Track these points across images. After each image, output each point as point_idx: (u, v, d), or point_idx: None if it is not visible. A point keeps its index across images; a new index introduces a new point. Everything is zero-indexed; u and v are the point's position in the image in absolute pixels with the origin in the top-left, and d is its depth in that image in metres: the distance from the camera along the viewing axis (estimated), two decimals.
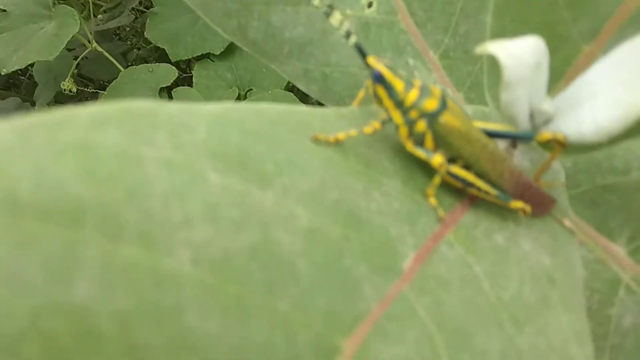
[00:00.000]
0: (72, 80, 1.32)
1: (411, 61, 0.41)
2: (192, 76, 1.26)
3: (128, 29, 1.37)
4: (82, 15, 1.28)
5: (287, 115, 0.28)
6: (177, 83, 1.26)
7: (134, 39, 1.38)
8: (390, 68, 0.31)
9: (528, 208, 0.32)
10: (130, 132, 0.20)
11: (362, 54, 0.32)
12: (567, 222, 0.36)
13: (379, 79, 0.31)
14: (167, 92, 1.24)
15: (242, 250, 0.20)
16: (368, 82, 0.32)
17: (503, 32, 0.37)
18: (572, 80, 0.37)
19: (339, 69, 0.51)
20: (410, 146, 0.32)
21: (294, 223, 0.23)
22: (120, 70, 1.29)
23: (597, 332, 0.39)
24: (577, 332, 0.28)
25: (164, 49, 1.28)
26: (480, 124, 0.33)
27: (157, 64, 1.28)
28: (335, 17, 0.31)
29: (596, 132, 0.28)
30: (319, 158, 0.27)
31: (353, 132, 0.29)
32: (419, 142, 0.32)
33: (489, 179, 0.33)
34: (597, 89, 0.29)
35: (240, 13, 0.49)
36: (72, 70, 1.29)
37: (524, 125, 0.34)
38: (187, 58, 1.31)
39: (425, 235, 0.29)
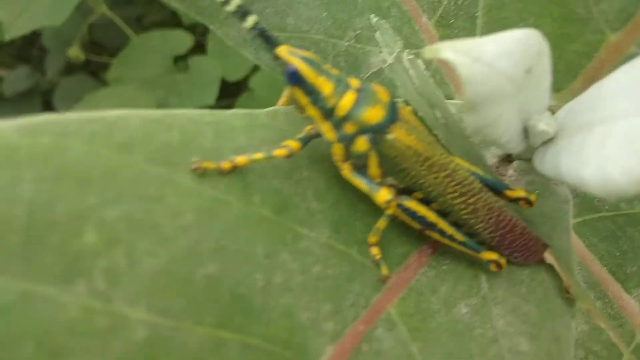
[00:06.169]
0: (80, 47, 1.20)
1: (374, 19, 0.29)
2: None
3: None
4: None
5: (157, 130, 0.18)
6: (193, 49, 1.14)
7: (148, 3, 1.23)
8: (312, 63, 0.20)
9: (503, 261, 0.24)
10: None
11: (269, 42, 0.21)
12: (570, 287, 0.27)
13: (294, 78, 0.20)
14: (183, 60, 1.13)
15: None
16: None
17: (500, 6, 0.26)
18: (592, 80, 0.27)
19: (298, 34, 0.40)
20: (347, 172, 0.22)
21: (126, 335, 0.14)
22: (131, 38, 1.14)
23: None
24: None
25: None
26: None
27: (170, 30, 1.10)
28: None
29: (602, 185, 0.18)
30: (198, 205, 0.18)
31: (258, 155, 0.20)
32: (361, 166, 0.23)
33: (458, 217, 0.24)
34: (613, 112, 0.19)
35: None
36: (81, 36, 1.16)
37: (514, 146, 0.24)
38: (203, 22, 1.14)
39: (356, 313, 0.20)
